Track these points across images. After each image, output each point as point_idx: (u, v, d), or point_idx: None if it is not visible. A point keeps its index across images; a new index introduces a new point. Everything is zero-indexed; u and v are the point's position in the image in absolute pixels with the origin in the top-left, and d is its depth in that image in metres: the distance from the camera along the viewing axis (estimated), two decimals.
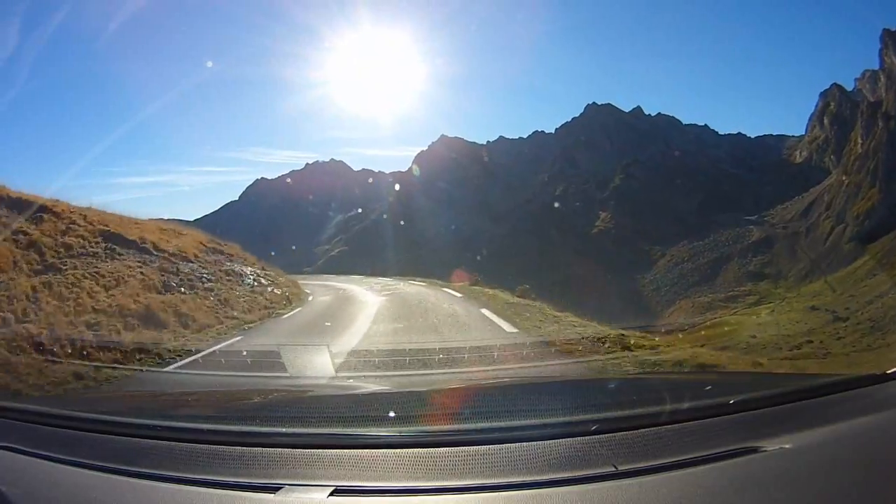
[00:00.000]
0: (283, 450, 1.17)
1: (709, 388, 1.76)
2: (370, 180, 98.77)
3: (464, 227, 73.71)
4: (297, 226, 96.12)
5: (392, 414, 1.64)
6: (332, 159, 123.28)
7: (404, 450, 1.14)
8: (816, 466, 1.07)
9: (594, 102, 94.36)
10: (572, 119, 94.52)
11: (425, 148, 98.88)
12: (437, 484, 1.02)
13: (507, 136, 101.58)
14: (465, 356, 5.16)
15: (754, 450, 1.08)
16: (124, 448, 1.23)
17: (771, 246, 58.92)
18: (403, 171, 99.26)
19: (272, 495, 1.00)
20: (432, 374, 4.54)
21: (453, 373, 4.56)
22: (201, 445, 1.22)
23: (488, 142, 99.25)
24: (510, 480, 1.01)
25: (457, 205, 79.10)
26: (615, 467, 1.03)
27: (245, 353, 5.69)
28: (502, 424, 1.27)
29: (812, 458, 1.09)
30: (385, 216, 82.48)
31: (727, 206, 67.17)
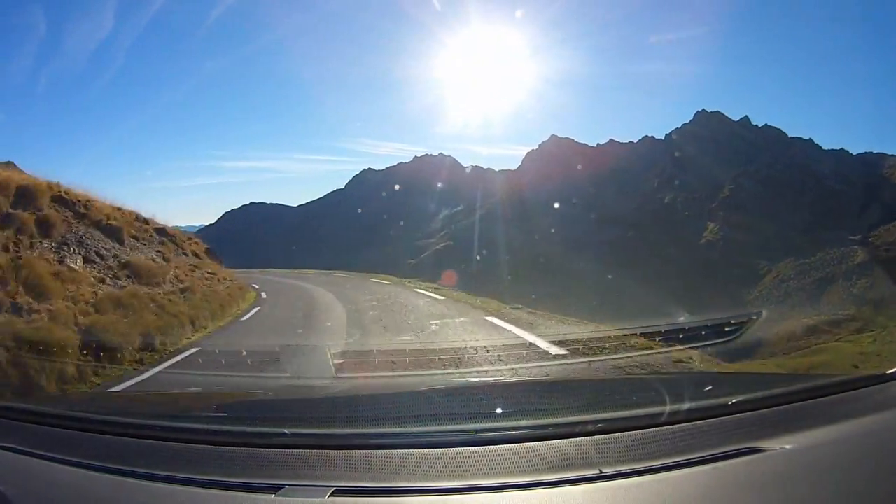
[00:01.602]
0: (283, 450, 1.17)
1: (709, 388, 1.76)
2: (479, 177, 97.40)
3: (572, 230, 72.13)
4: (403, 217, 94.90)
5: (392, 414, 1.64)
6: (442, 154, 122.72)
7: (404, 450, 1.14)
8: (817, 467, 1.07)
9: (704, 109, 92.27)
10: (682, 125, 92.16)
11: (535, 147, 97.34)
12: (437, 484, 1.02)
13: (617, 140, 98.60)
14: (466, 356, 5.17)
15: (755, 450, 1.08)
16: (124, 448, 1.23)
17: (874, 269, 55.57)
18: (513, 169, 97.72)
19: (272, 495, 0.99)
20: (432, 374, 4.54)
21: (453, 373, 4.56)
22: (201, 445, 1.22)
23: (598, 144, 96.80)
24: (511, 481, 1.01)
25: (566, 206, 77.27)
26: (615, 468, 1.03)
27: (245, 352, 5.69)
28: (503, 425, 1.27)
29: (812, 459, 1.09)
30: (492, 214, 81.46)
31: (832, 223, 64.33)
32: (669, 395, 1.35)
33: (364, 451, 1.16)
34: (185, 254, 15.28)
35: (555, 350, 5.51)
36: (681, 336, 5.44)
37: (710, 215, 71.89)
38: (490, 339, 6.63)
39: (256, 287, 16.82)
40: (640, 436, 1.15)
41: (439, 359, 5.08)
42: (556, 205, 74.14)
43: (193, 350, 6.71)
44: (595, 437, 1.15)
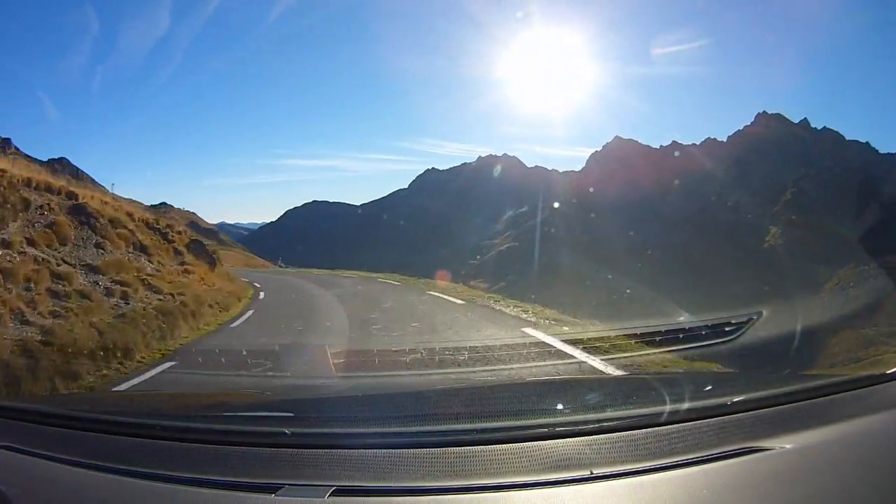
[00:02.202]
0: (283, 450, 1.17)
1: (709, 388, 1.76)
2: (542, 178, 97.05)
3: (636, 232, 70.90)
4: (467, 217, 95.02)
5: (392, 414, 1.64)
6: (506, 154, 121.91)
7: (405, 450, 1.14)
8: (817, 467, 1.07)
9: (765, 111, 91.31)
10: (744, 127, 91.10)
11: (599, 148, 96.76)
12: (437, 484, 1.02)
13: (680, 142, 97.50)
14: (466, 356, 5.16)
15: (754, 450, 1.08)
16: (124, 448, 1.23)
17: None
18: (577, 170, 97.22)
19: (272, 495, 0.99)
20: (432, 374, 4.54)
21: (453, 373, 4.56)
22: (201, 445, 1.22)
23: (661, 146, 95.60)
24: (512, 480, 1.01)
25: (630, 208, 76.84)
26: (616, 468, 1.03)
27: (245, 352, 5.69)
28: (503, 425, 1.27)
29: (812, 459, 1.09)
30: (557, 215, 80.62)
31: (890, 229, 60.89)
32: (669, 395, 1.35)
33: (364, 450, 1.16)
34: (176, 251, 13.72)
35: (558, 345, 5.52)
36: (681, 336, 5.43)
37: (773, 219, 70.43)
38: (491, 339, 6.63)
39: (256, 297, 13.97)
40: (639, 435, 1.15)
41: (439, 359, 5.07)
42: (621, 207, 72.81)
43: None
44: (595, 437, 1.15)
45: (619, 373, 4.39)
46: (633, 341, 5.63)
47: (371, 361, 4.86)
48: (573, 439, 1.14)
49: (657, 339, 5.63)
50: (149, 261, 11.65)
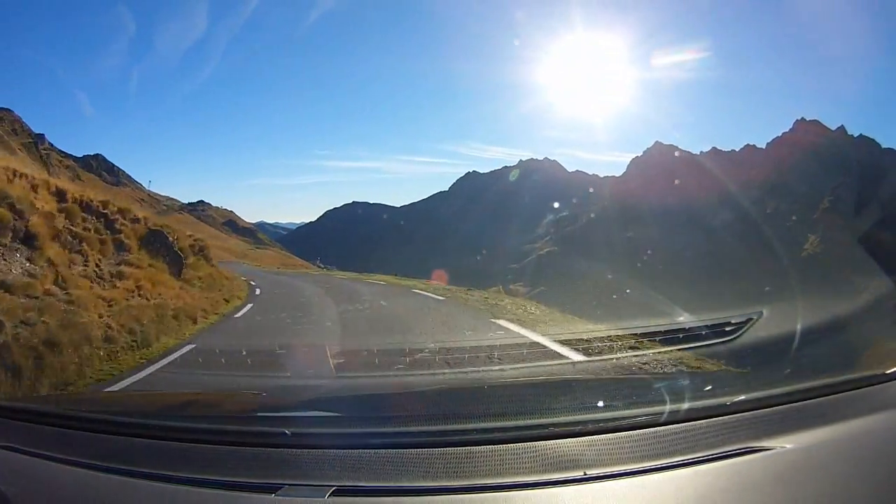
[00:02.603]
0: (283, 450, 1.17)
1: (709, 388, 1.76)
2: (583, 182, 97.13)
3: (676, 238, 71.11)
4: (508, 221, 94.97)
5: (392, 414, 1.64)
6: (547, 158, 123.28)
7: (405, 450, 1.14)
8: (817, 466, 1.07)
9: (803, 118, 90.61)
10: (783, 134, 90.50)
11: (640, 154, 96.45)
12: (438, 484, 1.02)
13: (719, 148, 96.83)
14: (466, 356, 5.16)
15: (754, 450, 1.08)
16: (124, 448, 1.23)
17: None
18: (617, 175, 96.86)
19: (272, 495, 0.99)
20: (432, 373, 4.54)
21: (453, 373, 4.56)
22: (201, 445, 1.22)
23: (701, 152, 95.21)
24: (513, 480, 1.01)
25: (669, 215, 76.50)
26: (615, 468, 1.03)
27: (245, 352, 5.69)
28: (503, 425, 1.27)
29: (812, 458, 1.09)
30: (597, 220, 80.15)
31: None
32: (669, 395, 1.35)
33: (364, 450, 1.16)
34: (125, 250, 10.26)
35: (559, 349, 5.52)
36: (681, 336, 5.43)
37: (811, 227, 69.36)
38: (493, 340, 6.63)
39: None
40: (639, 436, 1.15)
41: (439, 359, 5.07)
42: (661, 213, 71.88)
43: None
44: (595, 437, 1.15)
45: (617, 373, 4.39)
46: (632, 341, 5.63)
47: (371, 361, 4.86)
48: (573, 439, 1.14)
49: (657, 339, 5.63)
50: (77, 260, 8.66)
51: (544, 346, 5.82)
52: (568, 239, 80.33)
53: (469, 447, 1.12)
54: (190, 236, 17.44)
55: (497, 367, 4.75)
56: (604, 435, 1.15)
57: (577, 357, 5.13)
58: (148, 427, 1.34)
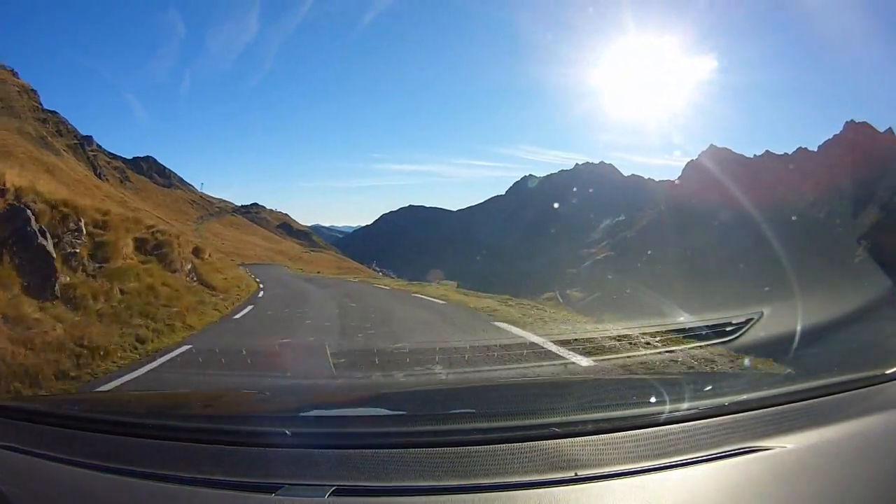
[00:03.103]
0: (283, 450, 1.17)
1: (709, 388, 1.76)
2: (639, 186, 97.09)
3: (732, 243, 69.77)
4: (563, 225, 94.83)
5: (392, 414, 1.64)
6: (602, 162, 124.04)
7: (405, 450, 1.14)
8: (817, 467, 1.07)
9: (852, 120, 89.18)
10: (833, 136, 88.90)
11: (695, 157, 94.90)
12: (438, 484, 1.02)
13: (772, 151, 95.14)
14: (466, 356, 5.16)
15: (754, 450, 1.08)
16: (124, 448, 1.23)
17: None
18: (673, 179, 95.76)
19: (272, 495, 0.99)
20: (432, 373, 4.54)
21: (453, 372, 4.56)
22: (201, 445, 1.22)
23: (755, 155, 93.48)
24: (513, 480, 1.01)
25: (725, 219, 74.20)
26: (615, 468, 1.03)
27: (244, 351, 5.69)
28: (504, 424, 1.27)
29: (812, 459, 1.09)
30: (654, 225, 79.25)
31: None
32: (669, 395, 1.35)
33: (364, 450, 1.16)
34: None
35: (558, 349, 5.52)
36: (681, 336, 5.43)
37: (863, 232, 68.00)
38: (492, 340, 6.63)
39: None
40: (639, 436, 1.15)
41: (440, 358, 5.07)
42: (716, 218, 70.57)
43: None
44: (595, 436, 1.15)
45: (615, 373, 4.39)
46: (632, 341, 5.63)
47: (371, 361, 4.86)
48: (573, 439, 1.14)
49: (657, 339, 5.63)
50: None
51: (543, 346, 5.83)
52: (624, 244, 79.44)
53: (469, 447, 1.12)
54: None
55: (497, 367, 4.76)
56: (603, 435, 1.15)
57: (577, 358, 5.13)
58: (148, 427, 1.34)
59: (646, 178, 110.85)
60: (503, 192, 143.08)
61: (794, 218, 71.94)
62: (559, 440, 1.13)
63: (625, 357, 4.95)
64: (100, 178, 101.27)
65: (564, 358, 5.18)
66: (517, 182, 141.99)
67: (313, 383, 3.39)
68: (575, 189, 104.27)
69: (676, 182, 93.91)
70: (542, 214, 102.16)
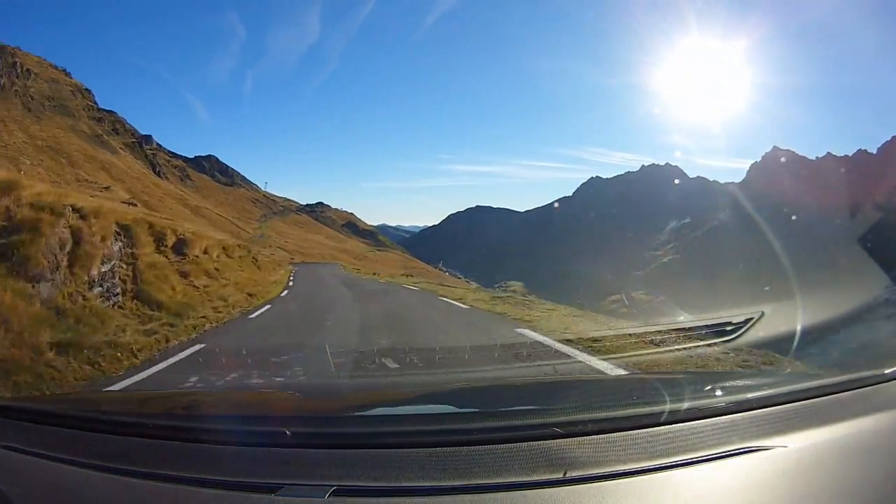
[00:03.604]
0: (283, 449, 1.17)
1: (709, 388, 1.76)
2: (704, 188, 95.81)
3: (797, 246, 65.01)
4: (630, 227, 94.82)
5: (392, 414, 1.64)
6: (668, 164, 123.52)
7: (405, 450, 1.14)
8: (816, 467, 1.07)
9: None
10: (892, 138, 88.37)
11: (759, 159, 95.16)
12: (438, 484, 1.02)
13: (833, 153, 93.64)
14: (466, 356, 5.16)
15: (754, 450, 1.08)
16: (124, 447, 1.23)
17: None
18: (737, 181, 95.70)
19: (272, 495, 0.99)
20: (433, 373, 4.54)
21: (454, 372, 4.56)
22: (201, 445, 1.22)
23: (817, 157, 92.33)
24: (513, 480, 1.01)
25: (789, 222, 73.85)
26: (615, 468, 1.03)
27: (245, 351, 5.70)
28: (504, 424, 1.27)
29: (812, 459, 1.09)
30: (719, 228, 78.12)
31: None
32: (669, 395, 1.35)
33: (364, 450, 1.16)
34: None
35: (560, 348, 5.52)
36: (681, 336, 5.43)
37: None
38: (492, 340, 6.63)
39: None
40: (639, 435, 1.15)
41: (440, 358, 5.07)
42: (781, 221, 69.03)
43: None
44: (595, 436, 1.15)
45: (617, 372, 4.39)
46: (632, 341, 5.63)
47: (371, 361, 4.86)
48: (574, 439, 1.14)
49: (657, 339, 5.63)
50: None
51: (546, 346, 5.83)
52: (690, 246, 78.70)
53: (469, 447, 1.12)
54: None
55: (497, 367, 4.76)
56: (604, 435, 1.15)
57: (578, 357, 5.14)
58: (148, 427, 1.34)
59: (710, 179, 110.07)
60: (570, 194, 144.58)
61: (856, 220, 70.31)
62: (560, 440, 1.13)
63: (626, 357, 4.95)
64: (159, 175, 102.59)
65: (567, 355, 5.19)
66: (584, 183, 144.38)
67: (313, 383, 3.40)
68: (641, 191, 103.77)
69: (741, 184, 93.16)
70: (609, 216, 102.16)
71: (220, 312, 10.33)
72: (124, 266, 9.46)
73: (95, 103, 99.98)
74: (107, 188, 49.60)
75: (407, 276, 38.88)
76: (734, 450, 1.08)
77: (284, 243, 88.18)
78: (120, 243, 9.60)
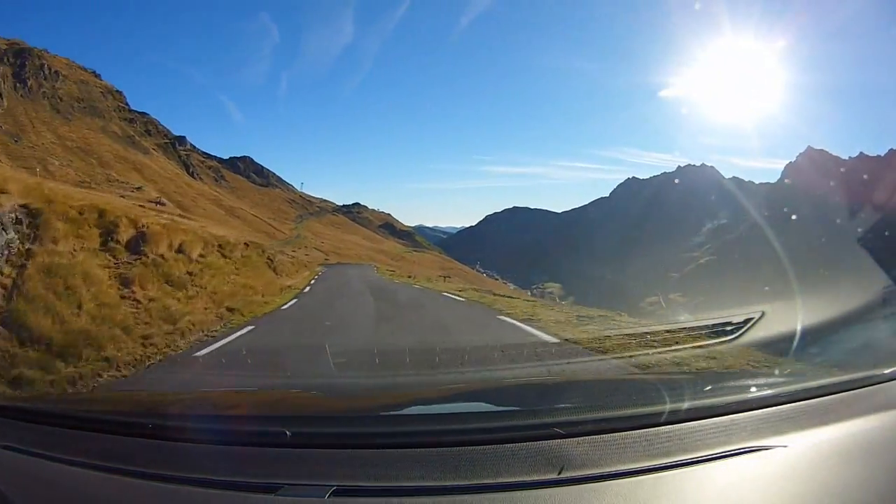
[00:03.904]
0: (283, 450, 1.17)
1: (709, 388, 1.76)
2: (740, 189, 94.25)
3: (831, 249, 64.86)
4: (666, 228, 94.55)
5: (392, 414, 1.64)
6: (704, 164, 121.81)
7: (405, 450, 1.14)
8: (816, 467, 1.07)
9: None
10: None
11: (793, 160, 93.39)
12: (438, 484, 1.02)
13: (866, 153, 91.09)
14: (466, 356, 5.16)
15: (754, 449, 1.08)
16: (124, 447, 1.23)
17: None
18: (772, 182, 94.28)
19: (272, 495, 0.99)
20: (433, 373, 4.53)
21: (454, 373, 4.56)
22: (201, 445, 1.22)
23: (850, 157, 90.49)
24: (513, 480, 1.01)
25: (824, 224, 71.82)
26: (614, 468, 1.03)
27: (245, 351, 5.70)
28: (504, 424, 1.27)
29: (812, 458, 1.10)
30: (756, 229, 75.37)
31: None
32: (669, 395, 1.35)
33: (364, 450, 1.16)
34: None
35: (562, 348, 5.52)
36: (681, 336, 5.43)
37: None
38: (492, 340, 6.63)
39: None
40: (639, 435, 1.15)
41: (439, 358, 5.07)
42: (815, 222, 68.40)
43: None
44: (595, 436, 1.15)
45: (617, 373, 4.39)
46: (633, 342, 5.63)
47: (371, 361, 4.85)
48: (574, 439, 1.14)
49: (658, 339, 5.62)
50: None
51: (545, 346, 5.83)
52: (727, 247, 77.63)
53: (469, 447, 1.12)
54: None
55: (498, 367, 4.75)
56: (604, 435, 1.15)
57: (578, 357, 5.14)
58: (148, 427, 1.34)
59: (746, 180, 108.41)
60: (607, 195, 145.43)
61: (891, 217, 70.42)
62: (560, 440, 1.13)
63: (626, 357, 4.95)
64: (192, 176, 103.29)
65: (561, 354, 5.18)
66: (621, 184, 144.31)
67: (313, 383, 3.39)
68: (677, 192, 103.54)
69: (776, 184, 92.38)
70: (645, 217, 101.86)
71: (148, 347, 6.56)
72: (8, 269, 6.61)
73: (127, 105, 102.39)
74: (138, 188, 49.89)
75: (444, 277, 37.26)
76: (734, 450, 1.08)
77: (321, 244, 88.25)
78: (15, 234, 6.74)
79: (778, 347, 4.53)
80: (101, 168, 67.25)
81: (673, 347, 5.09)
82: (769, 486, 1.01)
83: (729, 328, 4.54)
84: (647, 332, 6.02)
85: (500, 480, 1.01)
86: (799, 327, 4.28)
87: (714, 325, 5.03)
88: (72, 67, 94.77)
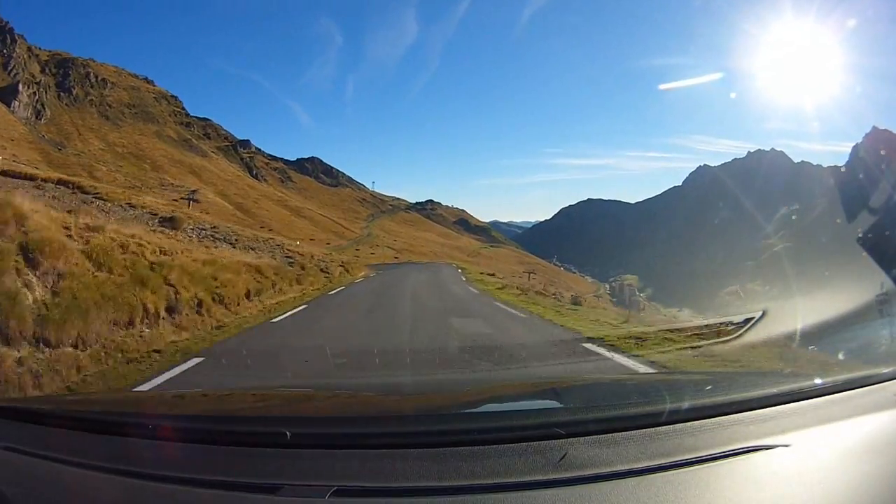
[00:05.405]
0: (283, 450, 1.16)
1: (709, 388, 1.76)
2: (809, 173, 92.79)
3: None
4: (738, 215, 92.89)
5: (392, 414, 1.64)
6: (773, 149, 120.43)
7: (405, 450, 1.14)
8: (817, 466, 1.07)
9: None
10: None
11: (859, 141, 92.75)
12: (438, 484, 1.02)
13: None
14: (467, 357, 5.17)
15: (755, 449, 1.08)
16: (125, 448, 1.23)
17: None
18: (840, 165, 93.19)
19: (272, 495, 0.99)
20: (433, 373, 4.54)
21: (454, 373, 4.56)
22: (201, 445, 1.22)
23: None
24: (513, 480, 1.01)
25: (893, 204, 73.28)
26: (614, 468, 1.03)
27: (245, 352, 5.70)
28: (504, 424, 1.27)
29: (813, 458, 1.10)
30: (825, 213, 76.74)
31: None
32: (669, 395, 1.35)
33: (364, 450, 1.16)
34: None
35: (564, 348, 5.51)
36: (682, 336, 5.43)
37: None
38: (492, 340, 6.63)
39: None
40: (639, 435, 1.15)
41: (440, 358, 5.07)
42: (885, 203, 68.55)
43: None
44: (595, 436, 1.15)
45: (615, 373, 4.39)
46: (633, 341, 5.63)
47: (371, 361, 4.86)
48: (574, 439, 1.14)
49: (658, 339, 5.62)
50: None
51: (554, 345, 5.83)
52: (801, 233, 76.03)
53: (469, 447, 1.12)
54: None
55: (497, 367, 4.76)
56: (605, 435, 1.15)
57: (578, 357, 5.14)
58: (148, 427, 1.34)
59: (814, 164, 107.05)
60: (680, 183, 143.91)
61: None
62: (560, 440, 1.13)
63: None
64: (255, 178, 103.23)
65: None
66: (693, 172, 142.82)
67: (314, 383, 3.39)
68: (748, 178, 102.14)
69: (843, 168, 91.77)
70: (718, 204, 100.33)
71: None
72: None
73: (184, 109, 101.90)
74: (195, 192, 49.85)
75: (529, 273, 33.40)
76: (735, 449, 1.08)
77: (392, 242, 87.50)
78: None
79: None
80: (155, 172, 67.41)
81: (673, 348, 5.09)
82: (772, 485, 1.01)
83: (730, 328, 4.54)
84: (647, 333, 6.01)
85: (500, 480, 1.01)
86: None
87: (715, 325, 5.04)
88: (121, 74, 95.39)
